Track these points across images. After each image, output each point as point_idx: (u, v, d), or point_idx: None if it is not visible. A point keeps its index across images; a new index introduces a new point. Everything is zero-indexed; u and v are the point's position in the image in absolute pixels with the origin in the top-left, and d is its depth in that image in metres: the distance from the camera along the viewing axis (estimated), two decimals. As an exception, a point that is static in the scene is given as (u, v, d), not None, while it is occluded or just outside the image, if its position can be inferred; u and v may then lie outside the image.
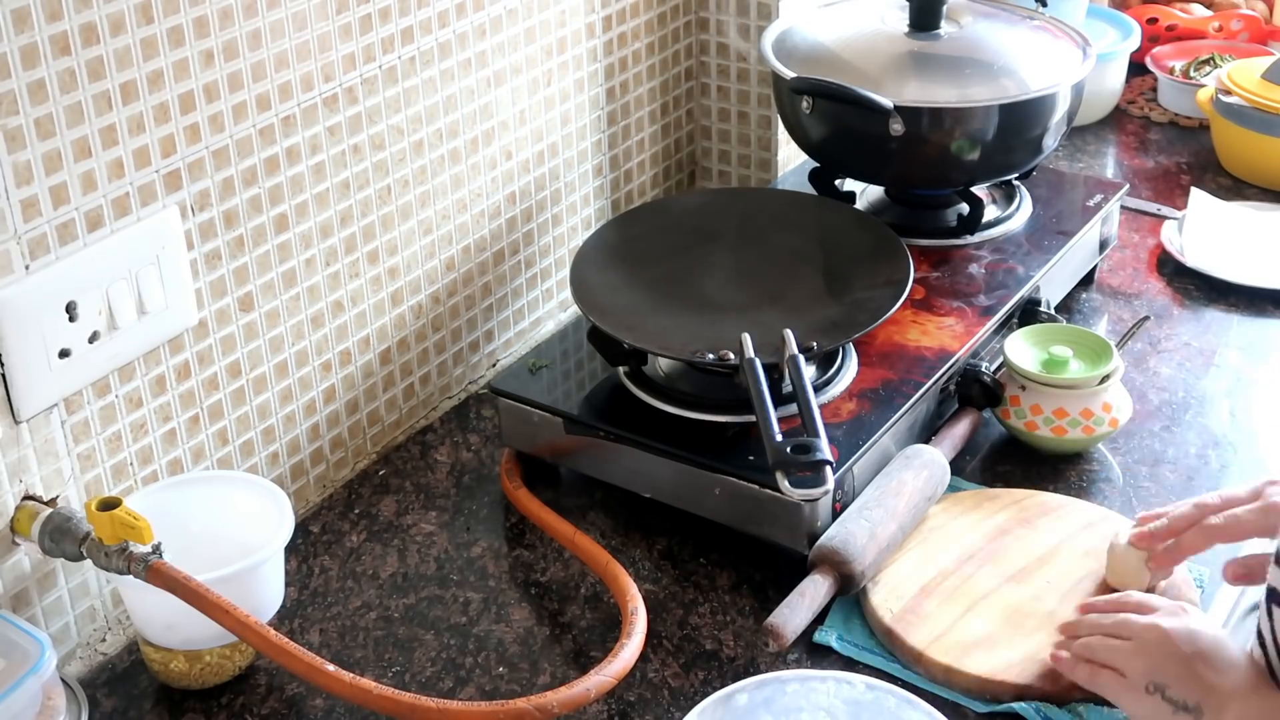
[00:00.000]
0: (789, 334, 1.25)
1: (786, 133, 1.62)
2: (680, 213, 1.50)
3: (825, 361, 1.35)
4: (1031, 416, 1.35)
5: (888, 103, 1.43)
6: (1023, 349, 1.39)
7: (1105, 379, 1.35)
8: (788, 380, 1.24)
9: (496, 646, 1.20)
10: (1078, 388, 1.35)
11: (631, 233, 1.46)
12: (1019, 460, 1.38)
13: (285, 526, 1.16)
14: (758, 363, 1.23)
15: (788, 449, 1.15)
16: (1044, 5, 1.61)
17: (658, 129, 1.74)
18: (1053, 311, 1.48)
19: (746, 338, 1.26)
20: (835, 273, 1.41)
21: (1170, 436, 1.40)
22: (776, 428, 1.18)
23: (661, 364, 1.35)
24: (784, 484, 1.16)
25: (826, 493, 1.17)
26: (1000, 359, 1.40)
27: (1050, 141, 1.52)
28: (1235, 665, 1.01)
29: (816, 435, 1.17)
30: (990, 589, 1.20)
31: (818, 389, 1.31)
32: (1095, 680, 1.08)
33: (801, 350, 1.25)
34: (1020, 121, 1.48)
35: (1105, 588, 1.19)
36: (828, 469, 1.16)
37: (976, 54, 1.53)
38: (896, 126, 1.44)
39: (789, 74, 1.50)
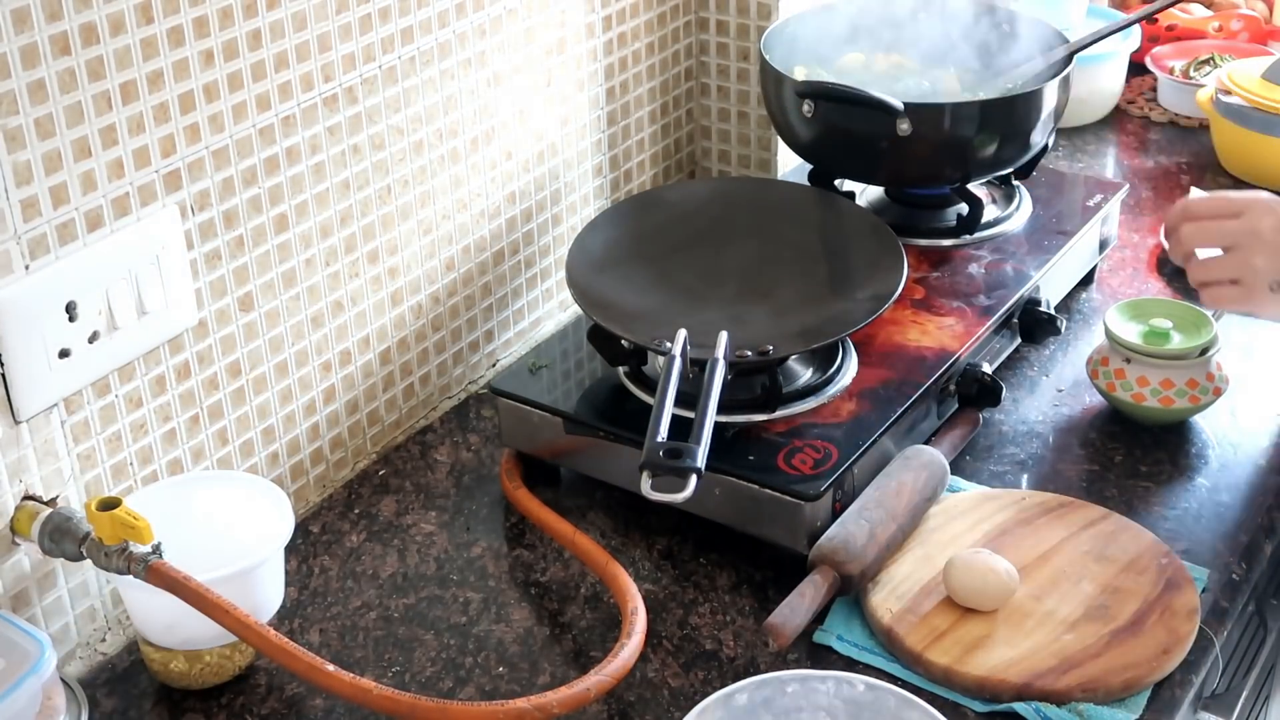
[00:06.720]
0: (723, 336, 1.24)
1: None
2: (687, 201, 1.50)
3: (825, 361, 1.35)
4: (1139, 389, 1.38)
5: (898, 103, 1.43)
6: (1123, 323, 1.42)
7: (1205, 350, 1.38)
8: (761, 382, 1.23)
9: (496, 646, 1.20)
10: (1183, 358, 1.37)
11: (635, 219, 1.46)
12: (1018, 460, 1.38)
13: (285, 526, 1.16)
14: (676, 359, 1.22)
15: (660, 451, 1.13)
16: None
17: (658, 129, 1.74)
18: (1052, 311, 1.48)
19: (681, 333, 1.25)
20: (828, 276, 1.40)
21: (1170, 435, 1.40)
22: (663, 427, 1.15)
23: (661, 364, 1.35)
24: (645, 484, 1.12)
25: (686, 498, 1.11)
26: (996, 362, 1.40)
27: (1038, 138, 1.52)
28: None
29: (697, 443, 1.13)
30: (990, 589, 1.20)
31: (817, 388, 1.31)
32: (1218, 298, 1.20)
33: (734, 358, 1.24)
34: (1017, 117, 1.49)
35: (1106, 586, 1.19)
36: (693, 477, 1.12)
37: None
38: (904, 126, 1.43)
39: (796, 78, 1.50)
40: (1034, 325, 1.48)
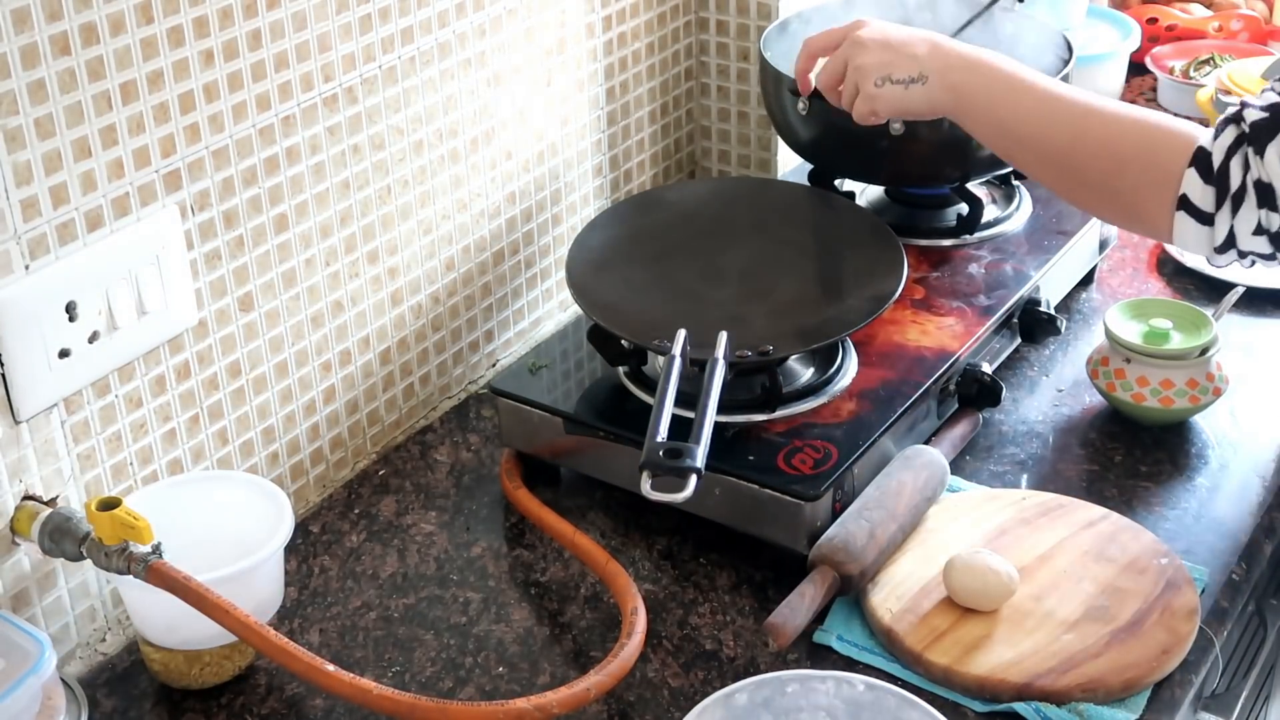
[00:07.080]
0: (723, 336, 1.25)
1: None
2: (687, 201, 1.50)
3: (825, 361, 1.35)
4: (1139, 389, 1.38)
5: None
6: (1123, 323, 1.42)
7: (1205, 350, 1.38)
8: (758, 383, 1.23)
9: (496, 646, 1.20)
10: (1183, 358, 1.37)
11: (635, 219, 1.46)
12: (1018, 460, 1.38)
13: (285, 526, 1.16)
14: (676, 359, 1.23)
15: (660, 451, 1.13)
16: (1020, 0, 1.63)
17: (658, 129, 1.74)
18: (1052, 311, 1.48)
19: (681, 333, 1.25)
20: (828, 276, 1.40)
21: (1170, 435, 1.40)
22: (663, 427, 1.15)
23: (661, 364, 1.35)
24: (645, 484, 1.12)
25: (686, 498, 1.11)
26: (996, 362, 1.40)
27: None
28: (930, 40, 1.27)
29: (697, 443, 1.13)
30: (990, 589, 1.20)
31: (817, 388, 1.31)
32: (861, 116, 1.34)
33: (734, 358, 1.24)
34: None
35: (1107, 586, 1.19)
36: (693, 477, 1.11)
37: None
38: (896, 125, 1.43)
39: (788, 74, 1.50)
40: (1034, 325, 1.48)
